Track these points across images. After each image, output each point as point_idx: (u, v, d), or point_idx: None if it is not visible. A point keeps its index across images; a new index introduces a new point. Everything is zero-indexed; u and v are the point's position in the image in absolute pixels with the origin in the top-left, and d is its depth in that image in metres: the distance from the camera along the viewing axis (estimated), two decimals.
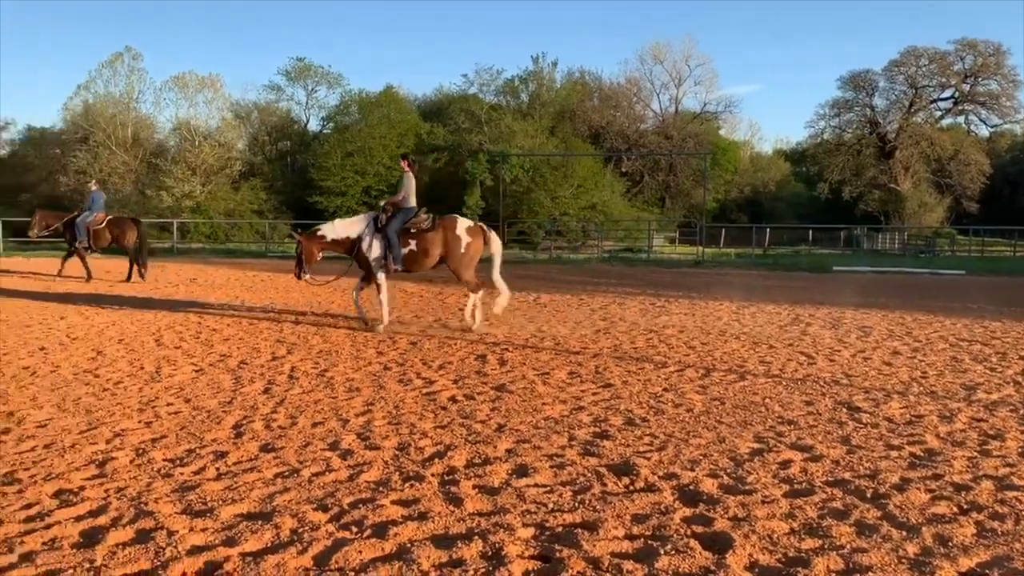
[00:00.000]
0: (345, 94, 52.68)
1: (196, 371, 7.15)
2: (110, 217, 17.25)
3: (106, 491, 4.02)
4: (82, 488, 4.07)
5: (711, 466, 4.45)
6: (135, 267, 17.11)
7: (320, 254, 10.42)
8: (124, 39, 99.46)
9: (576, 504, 3.83)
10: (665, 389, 6.48)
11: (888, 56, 54.19)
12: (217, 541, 3.40)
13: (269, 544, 3.38)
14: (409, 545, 3.35)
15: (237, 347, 8.43)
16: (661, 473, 4.30)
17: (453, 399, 6.08)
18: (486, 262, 10.54)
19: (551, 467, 4.39)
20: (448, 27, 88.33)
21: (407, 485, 4.10)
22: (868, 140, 50.81)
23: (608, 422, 5.40)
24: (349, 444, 4.85)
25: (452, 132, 47.12)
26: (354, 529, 3.52)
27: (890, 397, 6.31)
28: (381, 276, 10.07)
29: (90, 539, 3.44)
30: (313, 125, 55.39)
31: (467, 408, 5.78)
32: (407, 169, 10.43)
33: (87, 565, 3.16)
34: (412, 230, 10.01)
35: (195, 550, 3.31)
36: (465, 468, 4.39)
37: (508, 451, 4.71)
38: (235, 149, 49.18)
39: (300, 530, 3.51)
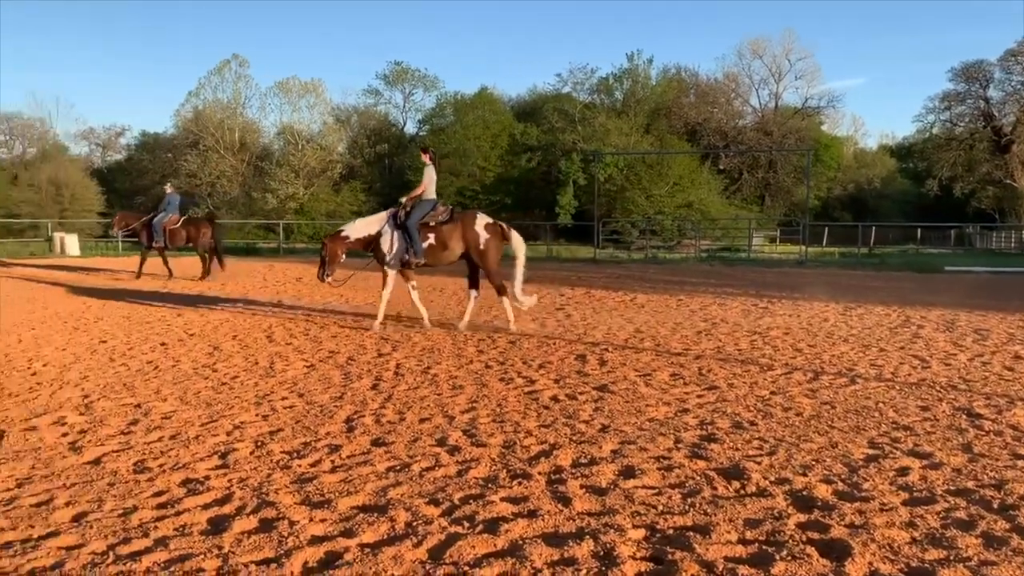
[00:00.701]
0: (441, 97, 53.57)
1: (307, 367, 7.41)
2: (185, 218, 18.15)
3: (229, 481, 4.22)
4: (207, 478, 4.28)
5: (824, 471, 4.33)
6: (208, 264, 17.92)
7: (343, 255, 10.52)
8: (232, 47, 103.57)
9: (686, 507, 3.79)
10: (772, 392, 6.34)
11: (1004, 46, 51.29)
12: (336, 532, 3.52)
13: (385, 536, 3.48)
14: (521, 542, 3.39)
15: (344, 344, 8.69)
16: (772, 478, 4.22)
17: (555, 399, 6.11)
18: (506, 260, 10.53)
19: (659, 469, 4.37)
20: (543, 27, 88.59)
21: (515, 483, 4.14)
22: (981, 134, 48.30)
23: (715, 425, 5.33)
24: (456, 440, 4.94)
25: (545, 132, 47.26)
26: (466, 524, 3.59)
27: (1013, 404, 6.00)
28: (391, 273, 10.25)
29: (217, 526, 3.61)
30: (410, 128, 56.51)
31: (570, 408, 5.80)
32: (428, 162, 10.47)
33: (215, 551, 3.33)
34: (431, 223, 10.09)
35: (315, 540, 3.44)
36: (571, 468, 4.41)
37: (614, 452, 4.70)
38: (336, 152, 50.61)
39: (414, 523, 3.60)
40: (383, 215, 10.44)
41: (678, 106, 49.37)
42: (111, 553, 3.30)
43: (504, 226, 10.36)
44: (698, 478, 4.22)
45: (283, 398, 6.15)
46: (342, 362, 7.64)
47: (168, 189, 18.94)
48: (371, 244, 10.27)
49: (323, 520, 3.65)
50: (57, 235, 31.16)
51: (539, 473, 4.30)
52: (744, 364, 7.56)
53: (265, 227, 44.21)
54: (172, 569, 3.14)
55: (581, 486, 4.10)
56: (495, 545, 3.37)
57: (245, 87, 52.81)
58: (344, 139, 52.89)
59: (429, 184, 10.20)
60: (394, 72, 54.64)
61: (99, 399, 6.14)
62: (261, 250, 32.29)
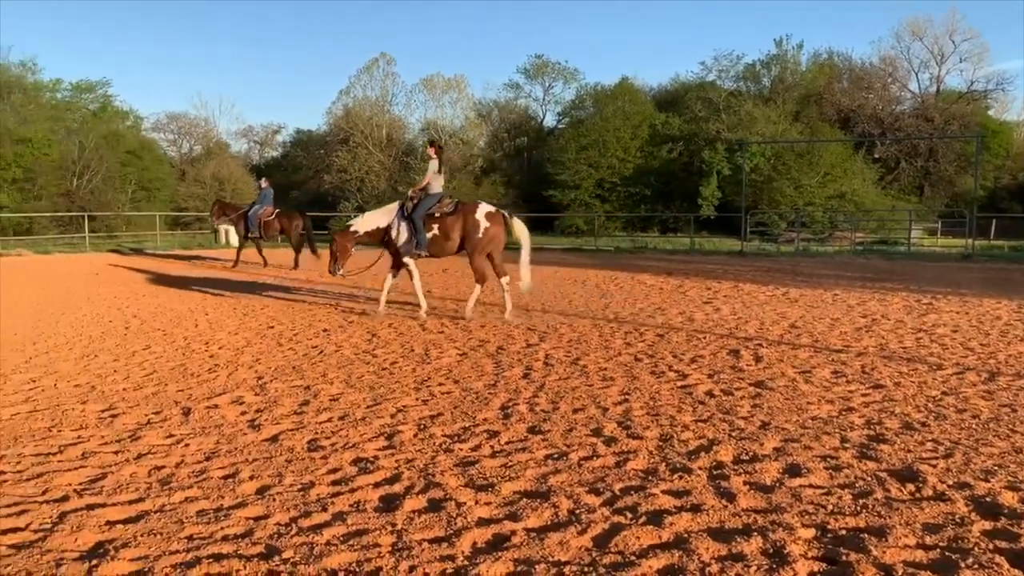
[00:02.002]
0: (581, 88, 53.48)
1: (460, 355, 7.61)
2: (278, 210, 19.00)
3: (397, 461, 4.40)
4: (376, 457, 4.48)
5: (1009, 478, 4.05)
6: (298, 255, 18.72)
7: (353, 248, 10.74)
8: (380, 46, 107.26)
9: (858, 508, 3.64)
10: (944, 393, 5.98)
11: None
12: (501, 515, 3.61)
13: (549, 522, 3.53)
14: (686, 535, 3.36)
15: (493, 334, 8.85)
16: (951, 482, 3.98)
17: (710, 394, 6.00)
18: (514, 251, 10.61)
19: (825, 468, 4.21)
20: (686, 15, 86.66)
21: (676, 476, 4.11)
22: None
23: (883, 425, 5.08)
24: (612, 431, 4.95)
25: (688, 121, 46.28)
26: (628, 515, 3.59)
27: None
28: (411, 263, 10.43)
29: (388, 504, 3.78)
30: (549, 120, 56.70)
31: (726, 403, 5.68)
32: (433, 155, 10.56)
33: (389, 528, 3.48)
34: (436, 215, 10.27)
35: (483, 522, 3.53)
36: (733, 464, 4.33)
37: (776, 449, 4.57)
38: (476, 147, 51.49)
39: (577, 511, 3.63)
40: (393, 207, 10.71)
41: (830, 92, 47.08)
42: (294, 525, 3.51)
43: (506, 215, 10.51)
44: (869, 479, 4.05)
45: (440, 384, 6.35)
46: (492, 351, 7.79)
47: (263, 184, 20.08)
48: (383, 236, 10.53)
49: (488, 503, 3.74)
50: (222, 227, 33.28)
51: (700, 468, 4.24)
52: (911, 362, 7.17)
53: None
54: (351, 543, 3.31)
55: (744, 482, 4.01)
56: (660, 537, 3.36)
57: (392, 84, 54.55)
58: (485, 134, 53.72)
59: (433, 178, 10.43)
60: (535, 65, 54.97)
61: (271, 380, 6.54)
62: None
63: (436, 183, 10.47)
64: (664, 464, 4.31)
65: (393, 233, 10.40)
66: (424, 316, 10.31)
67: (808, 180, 38.87)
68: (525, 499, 3.79)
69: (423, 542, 3.32)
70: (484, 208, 10.44)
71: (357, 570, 3.06)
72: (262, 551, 3.24)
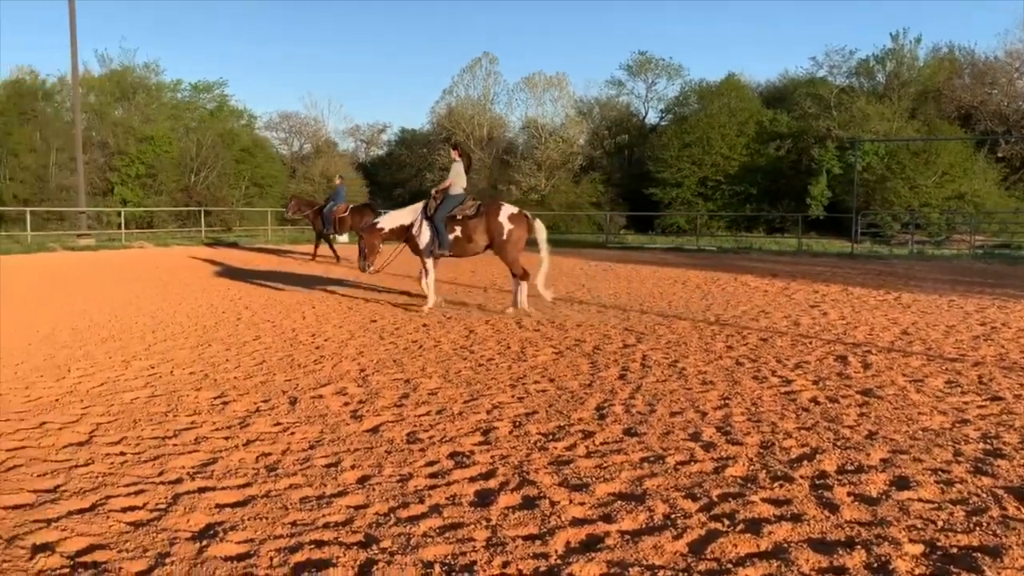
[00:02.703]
0: (685, 85, 52.71)
1: (556, 353, 7.62)
2: (351, 206, 19.52)
3: (492, 457, 4.44)
4: (472, 452, 4.53)
5: None
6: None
7: (381, 245, 11.07)
8: (483, 45, 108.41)
9: (971, 526, 3.46)
10: None
11: None
12: (595, 516, 3.59)
13: (644, 525, 3.50)
14: (785, 545, 3.27)
15: (589, 333, 8.82)
16: None
17: (815, 400, 5.81)
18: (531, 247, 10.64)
19: (936, 483, 4.02)
20: (796, 9, 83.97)
21: (776, 484, 4.00)
22: None
23: (1001, 439, 4.81)
24: (710, 436, 4.86)
25: (796, 118, 44.95)
26: (726, 522, 3.52)
27: None
28: (429, 262, 10.69)
29: (483, 499, 3.82)
30: (651, 117, 56.09)
31: (832, 411, 5.49)
32: (456, 157, 10.74)
33: (484, 523, 3.52)
34: (458, 216, 10.42)
35: (576, 522, 3.53)
36: (837, 474, 4.18)
37: (884, 461, 4.39)
38: (576, 144, 51.34)
39: (672, 516, 3.59)
40: (417, 207, 10.88)
41: (949, 88, 44.79)
42: (392, 515, 3.60)
43: (528, 216, 10.63)
44: (984, 495, 3.84)
45: (535, 382, 6.37)
46: (588, 351, 7.77)
47: (337, 181, 20.79)
48: (405, 234, 10.82)
49: (582, 503, 3.74)
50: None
51: (801, 477, 4.12)
52: None
53: None
54: (446, 535, 3.37)
55: (849, 493, 3.87)
56: (758, 546, 3.28)
57: (494, 84, 55.04)
58: (585, 131, 53.54)
59: (456, 179, 10.54)
60: (638, 62, 54.44)
61: (373, 373, 6.71)
62: None
63: (459, 184, 10.60)
64: (764, 471, 4.21)
65: (415, 233, 10.66)
66: (427, 311, 10.55)
67: (924, 180, 37.15)
68: (620, 501, 3.77)
69: (517, 539, 3.34)
70: (507, 210, 10.56)
71: (452, 563, 3.11)
72: (361, 539, 3.33)
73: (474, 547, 3.26)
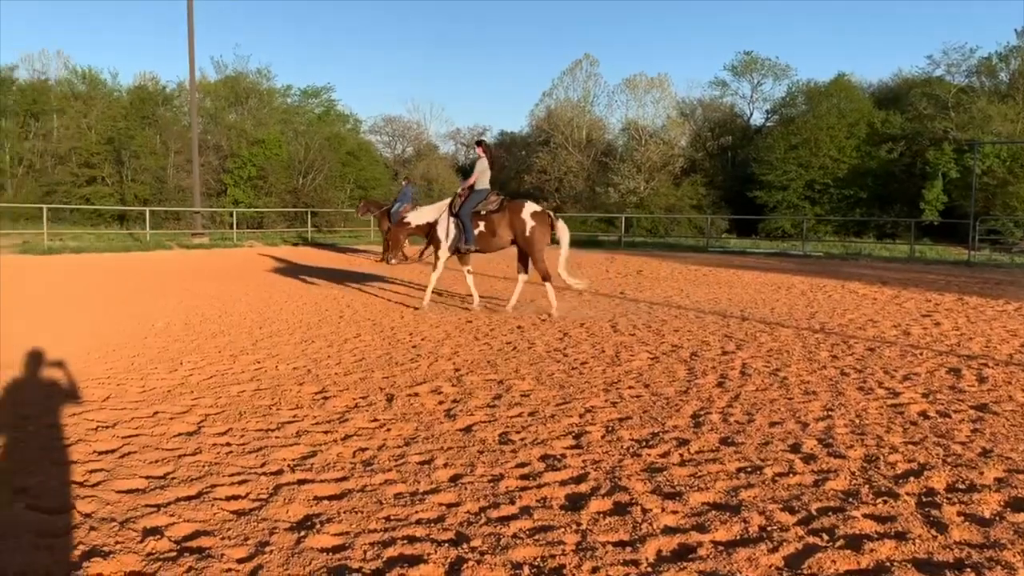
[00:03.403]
0: (792, 85, 51.34)
1: (651, 359, 7.52)
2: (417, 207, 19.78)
3: (584, 461, 4.42)
4: (563, 456, 4.52)
5: None
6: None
7: (406, 240, 11.39)
8: (584, 48, 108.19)
9: None
10: None
11: None
12: (688, 525, 3.53)
13: (738, 537, 3.42)
14: (888, 564, 3.14)
15: (687, 339, 8.67)
16: None
17: (924, 414, 5.54)
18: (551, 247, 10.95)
19: None
20: (910, 6, 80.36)
21: (880, 500, 3.83)
22: None
23: None
24: (811, 448, 4.69)
25: (910, 120, 43.07)
26: (825, 536, 3.40)
27: None
28: (443, 257, 10.94)
29: (574, 503, 3.80)
30: (756, 119, 54.85)
31: (942, 426, 5.22)
32: (481, 154, 10.95)
33: (574, 527, 3.50)
34: (482, 212, 10.67)
35: (668, 530, 3.47)
36: (946, 492, 3.97)
37: (998, 480, 4.15)
38: (678, 146, 50.68)
39: (769, 528, 3.49)
40: (443, 204, 11.19)
41: None
42: (483, 515, 3.62)
43: (551, 214, 10.81)
44: None
45: (629, 387, 6.30)
46: (685, 357, 7.63)
47: (403, 182, 21.07)
48: (429, 231, 11.10)
49: (675, 512, 3.68)
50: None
51: (907, 493, 3.93)
52: None
53: (606, 220, 45.65)
54: (536, 537, 3.37)
55: (959, 513, 3.68)
56: (858, 563, 3.15)
57: (594, 85, 54.96)
58: (687, 132, 52.77)
59: (481, 176, 10.79)
60: (743, 62, 53.31)
61: (468, 373, 6.78)
62: (603, 242, 33.37)
63: (483, 181, 10.86)
64: (867, 486, 4.03)
65: (441, 229, 10.91)
66: (425, 307, 11.01)
67: None
68: (714, 511, 3.69)
69: (607, 544, 3.31)
70: (530, 207, 10.76)
71: (541, 565, 3.11)
72: (452, 537, 3.37)
73: (563, 550, 3.25)
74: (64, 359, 7.12)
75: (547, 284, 10.72)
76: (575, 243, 29.89)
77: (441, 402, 5.79)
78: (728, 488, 4.00)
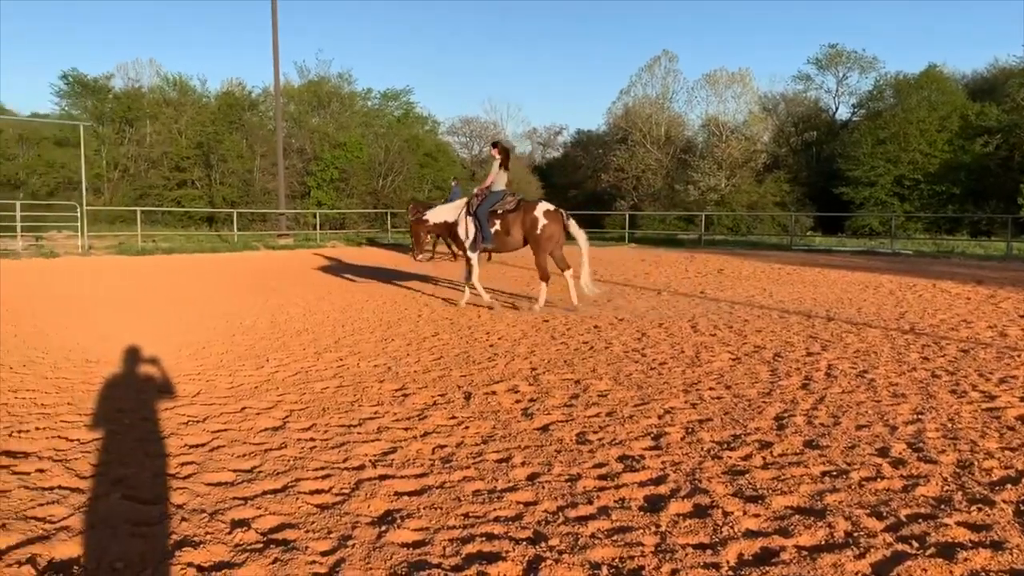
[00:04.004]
0: (880, 78, 49.65)
1: (733, 359, 7.38)
2: None
3: (663, 463, 4.37)
4: (642, 457, 4.48)
5: None
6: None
7: (428, 237, 12.00)
8: (663, 43, 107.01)
9: None
10: None
11: None
12: (771, 529, 3.45)
13: (823, 542, 3.33)
14: (983, 574, 3.01)
15: (769, 339, 8.48)
16: None
17: (1022, 419, 5.29)
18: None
19: None
20: None
21: (974, 508, 3.67)
22: None
23: None
24: (900, 452, 4.53)
25: (1008, 111, 41.10)
26: (915, 544, 3.28)
27: None
28: (473, 257, 11.23)
29: (653, 505, 3.76)
30: (842, 113, 53.29)
31: None
32: (496, 155, 11.10)
33: (653, 528, 3.47)
34: (499, 211, 10.94)
35: (750, 534, 3.41)
36: None
37: None
38: (760, 142, 49.62)
39: (855, 534, 3.38)
40: (460, 203, 11.50)
41: None
42: (560, 514, 3.62)
43: (564, 213, 11.04)
44: None
45: (710, 388, 6.20)
46: (768, 358, 7.47)
47: (453, 183, 21.01)
48: (450, 230, 11.49)
49: (757, 515, 3.60)
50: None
51: (1004, 501, 3.76)
52: None
53: (685, 218, 45.03)
54: (615, 538, 3.35)
55: None
56: (951, 572, 3.04)
57: (673, 82, 54.23)
58: (769, 128, 51.58)
59: (495, 177, 11.03)
60: (827, 55, 51.81)
61: (544, 372, 6.79)
62: (682, 241, 32.95)
63: (500, 182, 11.11)
64: (960, 493, 3.88)
65: (460, 229, 11.27)
66: (463, 304, 11.31)
67: None
68: (797, 515, 3.60)
69: (687, 547, 3.27)
70: (543, 206, 11.04)
71: (619, 566, 3.09)
72: (530, 536, 3.38)
73: (642, 552, 3.22)
74: (157, 355, 7.43)
75: (542, 284, 11.10)
76: (654, 241, 29.69)
77: (518, 401, 5.81)
78: (812, 492, 3.89)
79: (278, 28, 29.79)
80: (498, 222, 10.98)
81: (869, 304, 11.68)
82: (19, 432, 4.88)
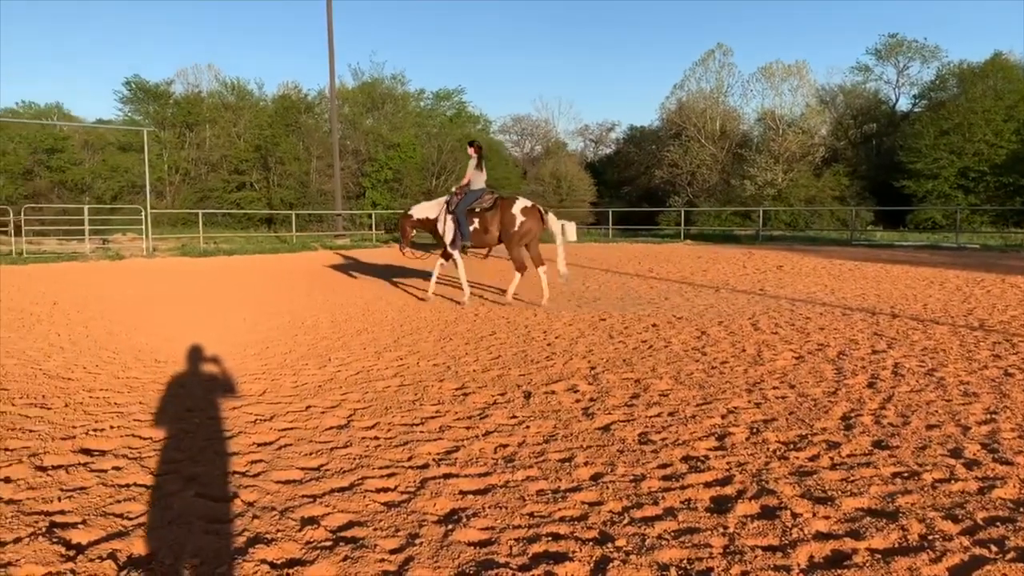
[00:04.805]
0: (942, 68, 48.27)
1: (796, 358, 7.26)
2: None
3: (728, 463, 4.32)
4: (706, 457, 4.44)
5: None
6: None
7: (413, 232, 12.29)
8: (716, 37, 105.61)
9: None
10: None
11: None
12: (841, 531, 3.39)
13: (896, 545, 3.26)
14: None
15: (833, 337, 8.32)
16: None
17: None
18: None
19: None
20: None
21: None
22: None
23: None
24: (973, 454, 4.41)
25: None
26: (993, 548, 3.19)
27: None
28: (456, 254, 11.54)
29: (719, 506, 3.72)
30: (903, 104, 51.99)
31: None
32: (473, 154, 11.43)
33: (720, 530, 3.43)
34: (476, 209, 11.22)
35: (820, 536, 3.35)
36: None
37: None
38: (818, 135, 48.70)
39: (930, 537, 3.30)
40: (441, 201, 11.82)
41: None
42: (626, 515, 3.61)
43: (542, 209, 11.28)
44: None
45: (774, 387, 6.11)
46: (833, 356, 7.33)
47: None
48: (432, 227, 11.82)
49: (827, 517, 3.54)
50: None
51: None
52: None
53: (742, 214, 44.40)
54: (682, 539, 3.33)
55: None
56: None
57: (728, 75, 53.56)
58: (827, 121, 50.57)
59: (472, 175, 11.39)
60: (887, 45, 50.60)
61: (603, 372, 6.76)
62: (739, 237, 32.49)
63: (478, 180, 11.44)
64: None
65: (440, 226, 11.60)
66: (467, 302, 11.57)
67: None
68: (869, 517, 3.53)
69: (756, 548, 3.23)
70: (521, 203, 11.24)
71: (688, 568, 3.07)
72: (596, 536, 3.38)
73: (711, 553, 3.19)
74: (222, 355, 7.61)
75: (517, 274, 11.55)
76: (710, 238, 29.40)
77: (578, 400, 5.80)
78: (883, 494, 3.81)
79: (333, 32, 30.19)
80: (476, 220, 11.28)
81: (935, 300, 11.38)
82: (95, 431, 5.04)
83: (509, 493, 3.91)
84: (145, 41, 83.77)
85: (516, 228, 11.07)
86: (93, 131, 49.63)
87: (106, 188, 46.13)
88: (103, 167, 47.40)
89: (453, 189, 11.84)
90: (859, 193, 44.99)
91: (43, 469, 4.28)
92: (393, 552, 3.26)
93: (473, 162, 11.46)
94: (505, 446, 4.70)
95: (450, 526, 3.51)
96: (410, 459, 4.47)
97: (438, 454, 4.55)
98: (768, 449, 4.56)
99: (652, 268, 17.97)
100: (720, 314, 10.17)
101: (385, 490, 3.99)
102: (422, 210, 12.13)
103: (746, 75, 55.28)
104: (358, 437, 4.91)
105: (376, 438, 4.89)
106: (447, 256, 11.94)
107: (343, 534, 3.46)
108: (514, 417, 5.35)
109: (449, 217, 11.48)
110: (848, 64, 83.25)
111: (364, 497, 3.88)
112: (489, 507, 3.72)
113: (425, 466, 4.34)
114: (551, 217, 11.36)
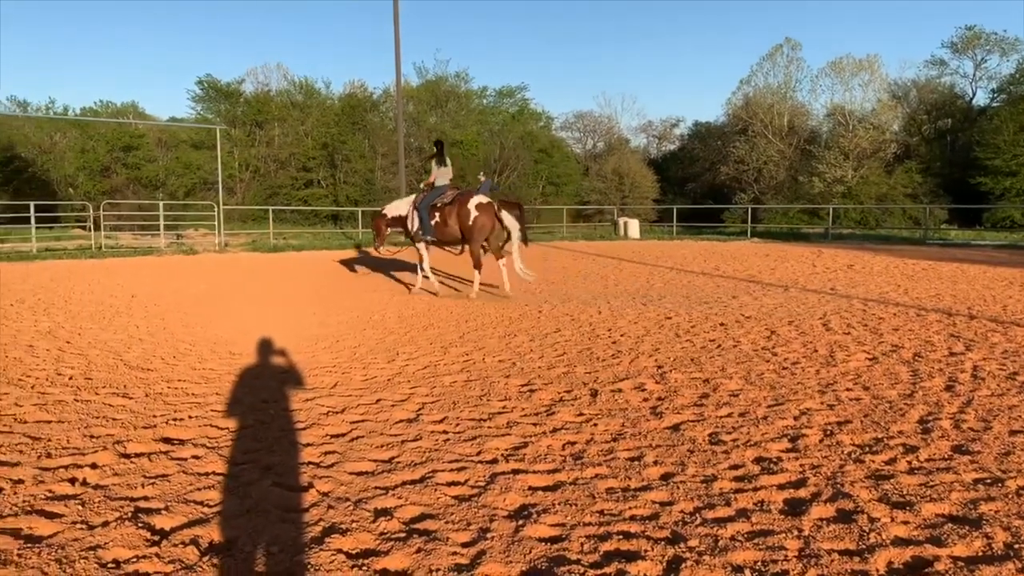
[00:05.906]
0: (1022, 61, 46.31)
1: (869, 359, 7.09)
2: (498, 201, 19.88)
3: (801, 465, 4.24)
4: (779, 459, 4.37)
5: None
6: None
7: (388, 229, 12.95)
8: (784, 32, 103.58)
9: None
10: None
11: None
12: (921, 538, 3.31)
13: (980, 553, 3.16)
14: None
15: (908, 338, 8.10)
16: None
17: None
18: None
19: None
20: None
21: None
22: None
23: None
24: None
25: None
26: None
27: None
28: (421, 247, 12.49)
29: (794, 508, 3.66)
30: (980, 99, 50.21)
31: None
32: (435, 152, 12.16)
33: (795, 532, 3.37)
34: (438, 205, 11.93)
35: (899, 542, 3.27)
36: None
37: None
38: (889, 131, 47.35)
39: (1016, 546, 3.20)
40: (411, 199, 12.58)
41: None
42: (698, 515, 3.58)
43: (496, 205, 11.82)
44: None
45: (847, 389, 5.97)
46: (908, 358, 7.13)
47: (481, 177, 20.86)
48: (404, 224, 12.52)
49: (905, 522, 3.45)
50: (620, 220, 34.85)
51: None
52: None
53: (810, 211, 43.48)
54: (756, 541, 3.28)
55: None
56: None
57: (796, 70, 52.50)
58: (899, 116, 49.11)
59: (436, 173, 12.08)
60: (964, 38, 48.90)
61: (671, 370, 6.71)
62: (807, 235, 31.82)
63: (442, 177, 12.12)
64: None
65: (408, 222, 12.36)
66: (419, 288, 12.69)
67: None
68: (950, 524, 3.43)
69: (832, 552, 3.17)
70: (476, 199, 11.84)
71: (762, 570, 3.03)
72: (668, 536, 3.36)
73: (785, 556, 3.14)
74: (294, 348, 7.78)
75: (476, 271, 12.17)
76: (777, 236, 28.89)
77: (646, 399, 5.76)
78: (965, 500, 3.70)
79: (400, 32, 30.51)
80: (437, 215, 11.98)
81: (1015, 301, 10.97)
82: (175, 420, 5.21)
83: (578, 490, 3.91)
84: (217, 42, 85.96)
85: (470, 223, 11.68)
86: (167, 129, 51.19)
87: (179, 184, 47.54)
88: (177, 164, 48.85)
89: (421, 186, 12.52)
90: (932, 191, 43.64)
91: (127, 456, 4.45)
92: (465, 545, 3.30)
93: (437, 161, 12.13)
94: (573, 443, 4.70)
95: (520, 521, 3.53)
96: (479, 454, 4.50)
97: (506, 450, 4.58)
98: (843, 452, 4.47)
99: (718, 266, 17.73)
100: (790, 313, 9.98)
101: (455, 484, 4.03)
102: (395, 208, 12.92)
103: (815, 70, 54.02)
104: (427, 431, 4.97)
105: (445, 432, 4.94)
106: (417, 247, 12.66)
107: (416, 526, 3.51)
108: (581, 415, 5.35)
109: (415, 213, 12.30)
110: (922, 58, 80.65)
111: (435, 490, 3.93)
112: (559, 504, 3.73)
113: (494, 461, 4.37)
114: (506, 215, 11.91)
